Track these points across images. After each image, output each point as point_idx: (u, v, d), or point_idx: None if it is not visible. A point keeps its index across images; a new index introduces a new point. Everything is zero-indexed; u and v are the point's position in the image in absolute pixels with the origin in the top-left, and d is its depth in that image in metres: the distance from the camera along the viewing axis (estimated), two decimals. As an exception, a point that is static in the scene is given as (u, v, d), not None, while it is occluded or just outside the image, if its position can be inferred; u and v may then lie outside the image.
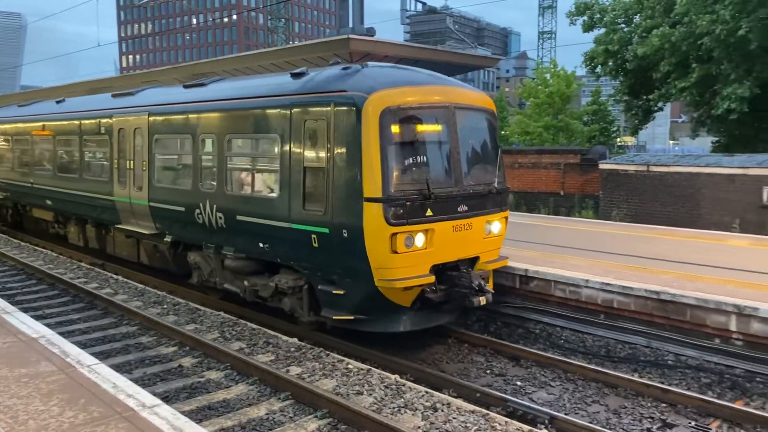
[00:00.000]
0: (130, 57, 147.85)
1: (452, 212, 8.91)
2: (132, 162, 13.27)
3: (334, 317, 9.09)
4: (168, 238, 12.33)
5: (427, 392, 7.54)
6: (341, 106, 8.60)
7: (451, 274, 9.06)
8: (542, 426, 7.02)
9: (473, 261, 9.51)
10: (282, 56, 20.08)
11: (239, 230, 10.30)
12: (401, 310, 9.03)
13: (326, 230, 8.67)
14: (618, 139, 56.01)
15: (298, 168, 9.11)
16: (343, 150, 8.55)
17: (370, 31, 18.72)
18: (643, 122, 34.78)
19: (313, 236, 8.84)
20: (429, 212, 8.57)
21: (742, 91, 25.28)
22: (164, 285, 13.51)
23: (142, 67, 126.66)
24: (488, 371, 9.09)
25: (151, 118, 12.70)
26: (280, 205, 9.39)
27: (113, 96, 15.29)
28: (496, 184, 9.62)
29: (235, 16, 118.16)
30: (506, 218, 10.12)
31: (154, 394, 6.19)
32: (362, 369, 8.30)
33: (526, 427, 6.61)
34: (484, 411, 7.04)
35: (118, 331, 10.34)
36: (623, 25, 32.02)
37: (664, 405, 7.99)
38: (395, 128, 8.52)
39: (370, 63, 9.98)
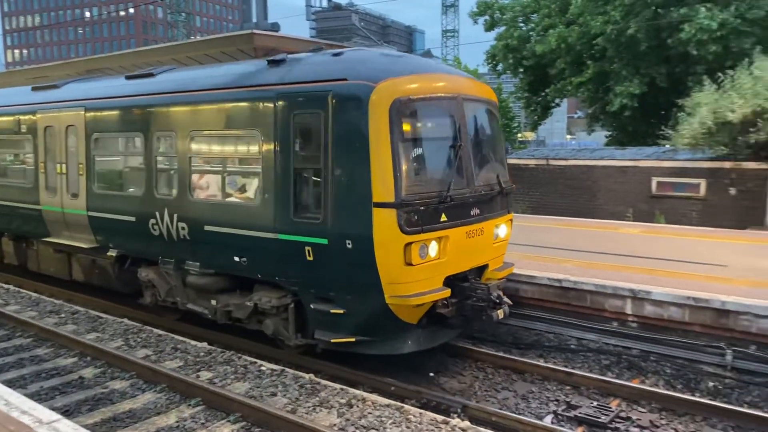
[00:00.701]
0: (16, 51, 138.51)
1: (465, 216, 7.99)
2: (64, 165, 11.64)
3: (332, 340, 8.02)
4: (112, 253, 10.81)
5: (342, 389, 7.53)
6: (342, 98, 7.52)
7: (462, 285, 8.22)
8: (455, 415, 7.17)
9: (481, 269, 8.71)
10: (183, 51, 19.37)
11: (208, 242, 9.05)
12: (408, 328, 8.10)
13: (324, 241, 7.63)
14: (519, 135, 58.14)
15: (285, 170, 7.97)
16: (346, 148, 7.51)
17: (275, 27, 18.39)
18: (542, 118, 36.35)
19: (307, 248, 7.79)
20: (443, 217, 7.63)
21: (633, 88, 26.88)
22: (62, 293, 12.75)
23: (30, 63, 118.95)
24: (403, 365, 9.21)
25: (88, 114, 11.10)
26: (262, 213, 8.27)
27: (34, 89, 13.27)
28: (503, 184, 8.83)
29: (132, 10, 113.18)
30: (511, 221, 9.34)
31: (53, 409, 5.84)
32: (275, 370, 8.18)
33: (439, 417, 6.73)
34: (399, 404, 7.11)
35: (11, 344, 9.64)
36: (522, 24, 33.22)
37: (568, 387, 8.39)
38: (405, 122, 7.55)
39: (357, 46, 9.07)
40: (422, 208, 7.43)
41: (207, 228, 9.00)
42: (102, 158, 11.19)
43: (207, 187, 9.39)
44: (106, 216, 10.77)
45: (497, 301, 8.10)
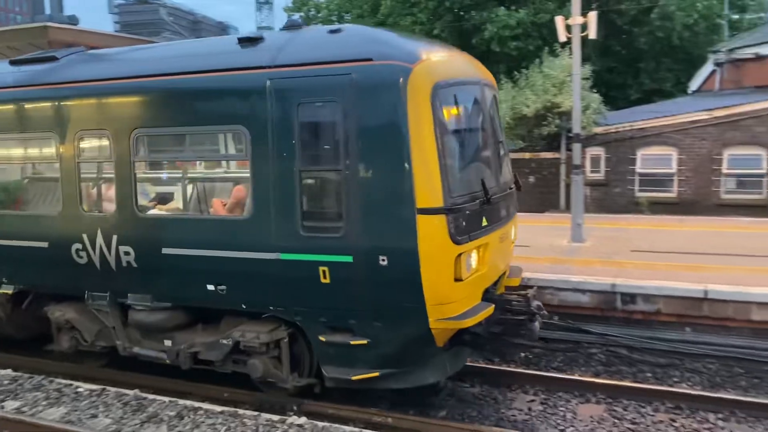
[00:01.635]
0: None
1: (498, 219, 7.06)
2: None
3: (353, 377, 6.77)
4: (7, 290, 8.51)
5: (171, 401, 7.17)
6: (368, 83, 6.21)
7: (497, 297, 7.29)
8: (291, 413, 7.16)
9: (499, 277, 7.71)
10: (-38, 45, 17.21)
11: (167, 269, 7.28)
12: (435, 353, 6.97)
13: (347, 259, 6.34)
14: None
15: (287, 173, 6.49)
16: (376, 144, 6.23)
17: (73, 20, 16.93)
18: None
19: (322, 269, 6.45)
20: (484, 221, 6.68)
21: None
22: None
23: None
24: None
25: None
26: (255, 229, 6.75)
27: None
28: (515, 180, 8.08)
29: None
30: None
31: None
32: (94, 390, 7.57)
33: (276, 417, 6.69)
34: (233, 410, 6.95)
35: None
36: (337, 22, 33.95)
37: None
38: (446, 111, 6.45)
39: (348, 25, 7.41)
40: (468, 212, 6.41)
41: (166, 251, 7.21)
42: None
43: (166, 199, 8.07)
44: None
45: (537, 311, 7.21)
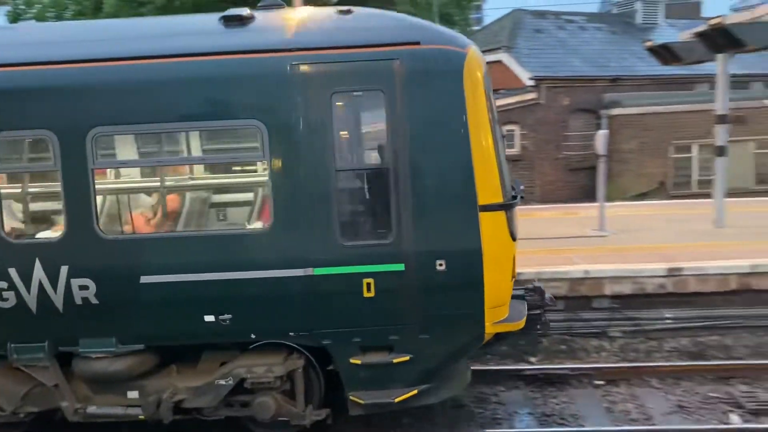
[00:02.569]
0: None
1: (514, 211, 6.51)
2: None
3: (396, 400, 6.00)
4: None
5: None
6: (420, 68, 5.59)
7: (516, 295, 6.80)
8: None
9: None
10: None
11: (146, 303, 5.82)
12: (464, 362, 6.58)
13: (399, 267, 5.68)
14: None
15: (321, 175, 5.61)
16: (433, 136, 5.64)
17: None
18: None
19: (366, 281, 5.69)
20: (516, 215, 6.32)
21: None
22: None
23: None
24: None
25: None
26: (277, 242, 5.71)
27: None
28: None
29: None
30: None
31: None
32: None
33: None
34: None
35: None
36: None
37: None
38: (489, 101, 5.99)
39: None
40: (514, 207, 6.10)
41: (147, 280, 5.76)
42: None
43: (146, 213, 6.71)
44: None
45: (550, 303, 7.01)
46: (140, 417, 6.20)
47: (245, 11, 5.99)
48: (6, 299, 5.77)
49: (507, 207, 5.87)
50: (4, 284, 5.75)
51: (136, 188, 6.90)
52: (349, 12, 6.00)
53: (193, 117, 5.76)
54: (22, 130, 5.77)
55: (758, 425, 6.46)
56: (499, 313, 6.03)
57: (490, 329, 6.00)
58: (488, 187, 5.72)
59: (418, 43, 5.67)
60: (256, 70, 5.63)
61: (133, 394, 6.10)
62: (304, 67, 5.58)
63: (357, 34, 5.80)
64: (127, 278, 5.75)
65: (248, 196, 6.50)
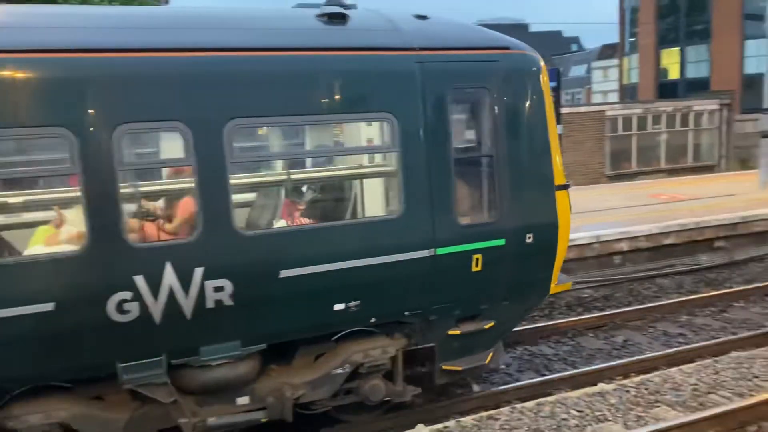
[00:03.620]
0: None
1: None
2: None
3: (486, 361, 6.87)
4: None
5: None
6: (514, 70, 6.46)
7: None
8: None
9: None
10: None
11: (283, 297, 5.68)
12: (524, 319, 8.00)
13: (500, 242, 6.36)
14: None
15: (442, 164, 6.11)
16: (522, 129, 6.48)
17: None
18: None
19: (476, 256, 6.29)
20: None
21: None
22: None
23: None
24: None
25: None
26: (407, 227, 6.02)
27: None
28: None
29: None
30: None
31: None
32: None
33: None
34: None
35: None
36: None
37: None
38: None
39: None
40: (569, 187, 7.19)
41: (286, 274, 5.61)
42: None
43: (285, 208, 6.48)
44: None
45: None
46: (262, 420, 6.03)
47: (341, 9, 6.15)
48: (127, 312, 5.09)
49: (568, 187, 6.90)
50: (127, 295, 5.07)
51: (272, 182, 6.80)
52: (415, 15, 6.60)
53: (331, 110, 5.83)
54: (151, 122, 5.25)
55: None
56: (557, 276, 6.99)
57: (552, 290, 7.00)
58: (558, 171, 6.74)
59: (508, 48, 6.55)
60: (388, 66, 6.00)
61: (243, 400, 5.93)
62: (429, 65, 6.06)
63: (463, 38, 6.52)
64: (266, 274, 5.57)
65: (380, 185, 6.67)
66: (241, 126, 5.41)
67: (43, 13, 5.44)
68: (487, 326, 6.67)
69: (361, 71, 5.92)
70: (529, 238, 6.53)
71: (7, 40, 4.83)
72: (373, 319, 6.18)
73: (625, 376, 7.43)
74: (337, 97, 5.76)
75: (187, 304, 5.28)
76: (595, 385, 7.09)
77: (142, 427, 5.65)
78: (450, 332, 6.57)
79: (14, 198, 5.96)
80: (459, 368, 6.74)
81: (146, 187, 6.17)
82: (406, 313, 6.29)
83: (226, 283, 5.39)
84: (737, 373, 7.19)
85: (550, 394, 6.95)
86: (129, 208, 5.40)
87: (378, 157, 6.87)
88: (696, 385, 6.92)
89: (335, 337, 6.24)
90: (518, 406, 6.59)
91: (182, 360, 5.51)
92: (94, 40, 5.09)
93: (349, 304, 5.93)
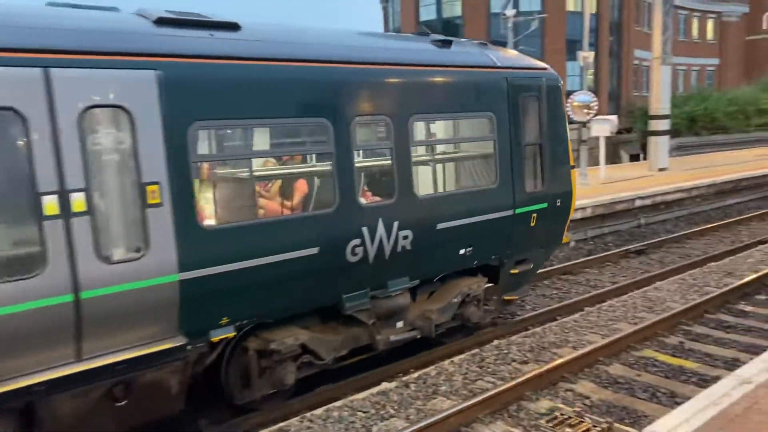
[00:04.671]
0: None
1: None
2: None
3: (529, 291, 10.55)
4: (223, 334, 6.12)
5: None
6: (549, 84, 9.09)
7: None
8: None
9: None
10: None
11: (436, 244, 7.78)
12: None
13: (545, 205, 8.98)
14: None
15: (518, 148, 8.61)
16: (555, 125, 9.16)
17: None
18: None
19: (533, 215, 8.84)
20: None
21: None
22: None
23: None
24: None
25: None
26: (500, 194, 8.44)
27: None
28: None
29: None
30: None
31: None
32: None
33: None
34: None
35: None
36: None
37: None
38: None
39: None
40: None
41: (440, 227, 7.73)
42: (223, 169, 6.97)
43: (439, 178, 8.54)
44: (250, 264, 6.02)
45: None
46: (417, 336, 8.08)
47: (447, 38, 8.60)
48: (356, 254, 6.87)
49: (575, 167, 9.74)
50: (357, 241, 6.86)
51: (432, 160, 8.59)
52: (494, 44, 9.59)
53: (464, 109, 8.23)
54: (371, 116, 7.22)
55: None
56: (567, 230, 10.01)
57: (565, 240, 10.23)
58: (571, 155, 9.54)
59: (545, 68, 9.31)
60: (490, 79, 8.38)
61: (400, 324, 7.86)
62: (511, 79, 8.55)
63: (523, 61, 9.18)
64: (430, 226, 7.60)
65: (485, 165, 8.56)
66: (416, 120, 7.51)
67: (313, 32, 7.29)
68: (529, 267, 9.27)
69: (478, 82, 8.29)
70: (558, 202, 9.22)
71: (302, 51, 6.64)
72: (475, 262, 8.50)
73: (405, 373, 7.85)
74: (466, 100, 8.17)
75: (387, 248, 7.18)
76: (379, 384, 7.42)
77: (350, 344, 7.46)
78: (511, 272, 9.00)
79: (290, 169, 7.49)
80: (515, 297, 9.61)
81: (369, 163, 8.04)
82: (493, 257, 8.70)
83: (409, 233, 7.37)
84: (499, 359, 8.04)
85: (337, 399, 7.10)
86: (360, 178, 7.28)
87: (482, 144, 8.65)
88: (466, 374, 7.59)
89: (438, 278, 8.36)
90: (308, 414, 6.65)
91: (377, 292, 7.36)
92: (349, 54, 7.05)
93: (467, 250, 8.21)
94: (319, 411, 6.71)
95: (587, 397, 7.08)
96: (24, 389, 4.91)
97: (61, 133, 4.93)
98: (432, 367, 7.84)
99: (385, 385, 7.31)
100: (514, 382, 7.08)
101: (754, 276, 11.15)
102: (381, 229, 7.07)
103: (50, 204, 4.88)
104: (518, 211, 8.61)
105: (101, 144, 5.23)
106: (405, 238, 7.33)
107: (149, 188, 5.35)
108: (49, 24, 5.14)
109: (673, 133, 31.19)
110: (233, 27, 6.29)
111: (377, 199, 7.43)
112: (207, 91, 5.74)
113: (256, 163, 7.07)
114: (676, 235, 15.68)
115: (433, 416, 6.38)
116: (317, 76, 6.57)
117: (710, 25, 68.56)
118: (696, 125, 47.92)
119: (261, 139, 7.03)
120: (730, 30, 69.71)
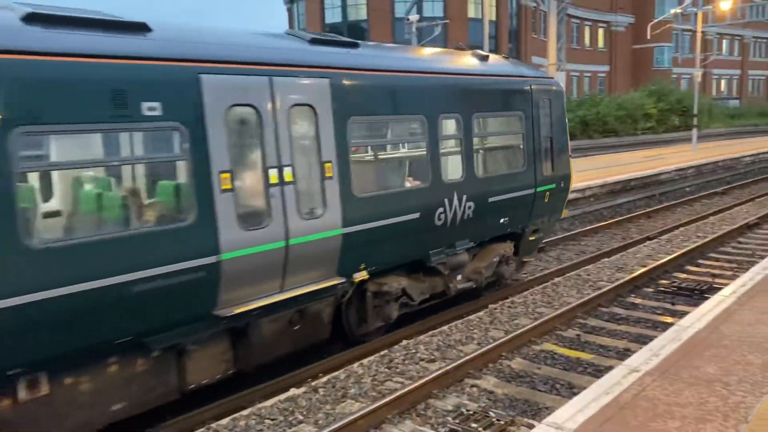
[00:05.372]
0: None
1: None
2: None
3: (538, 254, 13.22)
4: (359, 275, 8.19)
5: None
6: (555, 90, 11.61)
7: None
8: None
9: None
10: None
11: (486, 213, 10.04)
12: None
13: (554, 185, 11.37)
14: None
15: (538, 140, 10.91)
16: (560, 122, 11.64)
17: None
18: None
19: (547, 193, 11.19)
20: None
21: None
22: None
23: None
24: None
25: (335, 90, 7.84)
26: (526, 176, 10.73)
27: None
28: None
29: None
30: None
31: None
32: None
33: None
34: None
35: None
36: None
37: None
38: None
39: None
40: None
41: (490, 200, 9.98)
42: (359, 153, 8.96)
43: (489, 163, 10.54)
44: (379, 224, 8.24)
45: None
46: (473, 286, 10.32)
47: (483, 53, 11.16)
48: (441, 219, 9.14)
49: (571, 156, 12.32)
50: (442, 209, 9.11)
51: (484, 149, 10.45)
52: (512, 61, 11.76)
53: (504, 108, 10.57)
54: (452, 114, 9.45)
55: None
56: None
57: (563, 214, 12.79)
58: (570, 145, 12.23)
59: (552, 78, 12.42)
60: (521, 85, 10.79)
61: (459, 277, 10.00)
62: (533, 86, 10.95)
63: (539, 72, 12.46)
64: (484, 199, 9.86)
65: (517, 153, 10.79)
66: (475, 117, 9.70)
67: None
68: (540, 236, 11.85)
69: (513, 88, 10.64)
70: (562, 184, 11.70)
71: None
72: (509, 230, 10.74)
73: (314, 378, 7.79)
74: (506, 101, 10.55)
75: (458, 215, 9.38)
76: (287, 390, 7.32)
77: (431, 290, 9.59)
78: (529, 238, 11.36)
79: (404, 154, 10.21)
80: (531, 259, 12.32)
81: (447, 149, 9.58)
82: (519, 226, 10.99)
83: (472, 204, 9.59)
84: (407, 358, 8.14)
85: (244, 408, 6.95)
86: (443, 160, 9.30)
87: (515, 137, 10.81)
88: (375, 375, 7.63)
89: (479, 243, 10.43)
90: (213, 425, 6.47)
91: (449, 250, 9.55)
92: (433, 66, 9.52)
93: (505, 219, 10.53)
94: (225, 421, 6.55)
95: (491, 392, 7.30)
96: (250, 312, 6.76)
97: (278, 124, 6.91)
98: (341, 370, 7.82)
99: (293, 391, 7.23)
100: (421, 381, 7.19)
101: (642, 270, 11.90)
102: (456, 200, 9.34)
103: (273, 175, 6.85)
104: (538, 189, 11.05)
105: (299, 132, 7.22)
106: (469, 207, 9.58)
107: (326, 165, 7.43)
108: (271, 45, 7.48)
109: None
110: (354, 45, 8.47)
111: (453, 178, 9.48)
112: (356, 93, 7.91)
113: (383, 149, 9.75)
114: (572, 233, 16.41)
115: (342, 420, 6.37)
116: (419, 83, 8.90)
117: (601, 33, 72.51)
118: (589, 129, 50.69)
119: (388, 130, 9.58)
120: (619, 39, 74.04)
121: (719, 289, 9.07)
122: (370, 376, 7.60)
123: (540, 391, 7.35)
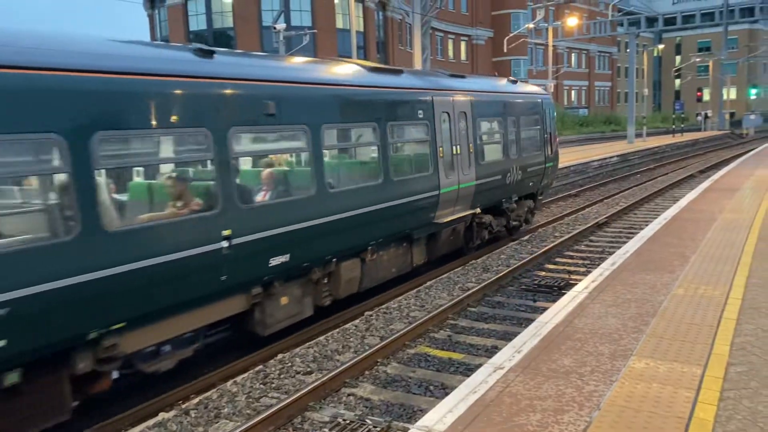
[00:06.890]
0: None
1: None
2: (459, 147, 13.07)
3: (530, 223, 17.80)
4: (476, 209, 13.75)
5: None
6: (545, 104, 16.99)
7: None
8: None
9: None
10: None
11: (525, 179, 15.64)
12: None
13: (552, 164, 17.36)
14: None
15: (545, 133, 16.71)
16: (552, 122, 17.43)
17: None
18: None
19: (549, 167, 17.19)
20: None
21: None
22: None
23: None
24: None
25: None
26: (541, 155, 16.52)
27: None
28: None
29: None
30: None
31: None
32: None
33: None
34: None
35: None
36: None
37: None
38: None
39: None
40: None
41: (528, 170, 15.77)
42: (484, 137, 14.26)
43: (525, 148, 15.65)
44: (487, 180, 13.93)
45: None
46: (519, 223, 16.45)
47: (514, 79, 17.20)
48: (509, 181, 15.00)
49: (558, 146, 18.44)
50: (510, 174, 14.97)
51: (519, 139, 15.56)
52: (514, 81, 16.81)
53: (523, 113, 15.67)
54: (510, 116, 15.18)
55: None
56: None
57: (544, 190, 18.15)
58: (557, 139, 18.06)
59: (543, 93, 17.37)
60: (536, 100, 16.64)
61: (495, 222, 15.08)
62: (542, 100, 16.91)
63: (541, 90, 17.90)
64: (524, 170, 15.59)
65: (535, 140, 16.47)
66: (521, 118, 15.50)
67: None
68: (541, 197, 17.75)
69: (534, 102, 16.42)
70: (550, 164, 17.01)
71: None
72: (531, 191, 16.39)
73: (185, 400, 7.47)
74: (529, 110, 16.09)
75: (514, 179, 15.16)
76: (156, 415, 6.98)
77: (500, 225, 15.40)
78: (539, 197, 17.31)
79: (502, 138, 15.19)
80: (518, 224, 16.51)
81: (511, 137, 15.25)
82: (537, 188, 16.73)
83: (520, 172, 15.38)
84: (283, 372, 8.03)
85: (109, 438, 6.54)
86: (518, 143, 15.55)
87: (535, 130, 16.46)
88: (249, 392, 7.46)
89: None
90: (73, 460, 6.03)
91: (507, 200, 15.31)
92: (486, 88, 15.19)
93: (532, 183, 16.24)
94: (87, 454, 6.12)
95: (368, 399, 7.38)
96: (446, 223, 12.70)
97: (442, 123, 12.20)
98: (213, 390, 7.57)
99: (162, 416, 6.90)
100: (297, 395, 7.12)
101: (506, 270, 12.56)
102: (514, 169, 14.97)
103: (440, 150, 12.07)
104: (547, 164, 16.78)
105: (459, 127, 12.83)
106: (518, 174, 15.15)
107: (470, 146, 13.13)
108: (434, 77, 13.23)
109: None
110: (462, 77, 14.24)
111: (513, 155, 15.00)
112: (480, 105, 13.62)
113: (495, 136, 14.71)
114: (442, 237, 17.07)
115: (216, 441, 6.18)
116: (497, 99, 14.80)
117: (463, 46, 75.83)
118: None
119: (491, 125, 14.58)
120: (480, 51, 77.80)
121: (574, 284, 9.76)
122: (245, 394, 7.42)
123: (415, 394, 7.53)
